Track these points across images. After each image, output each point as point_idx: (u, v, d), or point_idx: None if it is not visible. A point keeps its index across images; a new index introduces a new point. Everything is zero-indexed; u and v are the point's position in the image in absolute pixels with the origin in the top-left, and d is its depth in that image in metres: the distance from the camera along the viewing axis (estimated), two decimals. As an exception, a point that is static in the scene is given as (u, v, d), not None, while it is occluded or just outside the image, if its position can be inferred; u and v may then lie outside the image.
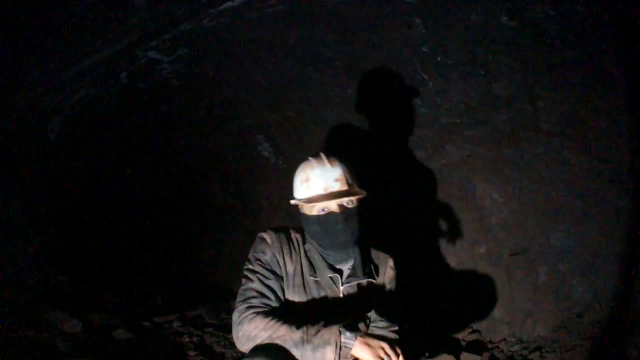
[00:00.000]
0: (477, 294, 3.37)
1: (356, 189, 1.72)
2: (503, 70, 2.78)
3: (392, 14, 2.70)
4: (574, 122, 2.71)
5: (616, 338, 2.38)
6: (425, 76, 3.06)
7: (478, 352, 2.95)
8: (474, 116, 3.11)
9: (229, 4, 2.57)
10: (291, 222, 1.90)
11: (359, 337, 1.53)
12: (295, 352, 1.54)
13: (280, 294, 1.71)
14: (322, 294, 1.74)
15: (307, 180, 1.71)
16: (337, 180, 1.68)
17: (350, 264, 1.79)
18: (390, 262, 1.89)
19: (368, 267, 1.82)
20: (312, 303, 1.73)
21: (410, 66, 3.05)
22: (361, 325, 1.65)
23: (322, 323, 1.57)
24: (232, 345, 3.09)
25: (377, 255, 1.90)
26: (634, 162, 2.49)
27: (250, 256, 1.77)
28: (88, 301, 3.40)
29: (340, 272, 1.78)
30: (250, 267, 1.74)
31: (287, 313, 1.67)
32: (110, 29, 2.52)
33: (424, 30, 2.74)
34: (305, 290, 1.73)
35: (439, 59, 2.91)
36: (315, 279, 1.74)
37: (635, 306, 2.38)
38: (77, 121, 3.51)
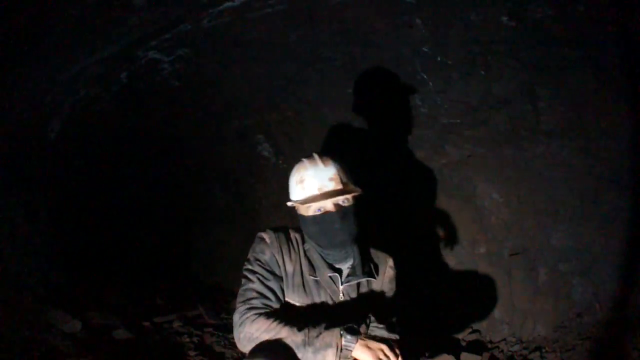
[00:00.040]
0: (477, 294, 3.37)
1: (351, 186, 1.72)
2: (503, 70, 2.78)
3: (392, 14, 2.70)
4: (574, 122, 2.71)
5: (616, 338, 2.38)
6: (425, 76, 3.06)
7: (478, 352, 2.95)
8: (474, 116, 3.11)
9: (229, 4, 2.57)
10: (291, 221, 1.91)
11: (359, 340, 1.54)
12: (296, 353, 1.55)
13: (280, 294, 1.71)
14: (322, 293, 1.74)
15: (301, 181, 1.71)
16: (331, 179, 1.68)
17: (349, 263, 1.79)
18: (390, 262, 1.89)
19: (368, 266, 1.82)
20: (312, 303, 1.73)
21: (410, 66, 3.05)
22: (362, 327, 1.66)
23: (323, 326, 1.58)
24: (232, 345, 3.09)
25: (376, 254, 1.90)
26: (634, 162, 2.49)
27: (249, 256, 1.77)
28: (88, 301, 3.40)
29: (339, 271, 1.78)
30: (250, 267, 1.74)
31: (287, 313, 1.67)
32: (110, 29, 2.52)
33: (424, 30, 2.74)
34: (305, 290, 1.73)
35: (439, 59, 2.90)
36: (315, 278, 1.74)
37: (635, 306, 2.38)
38: (77, 121, 3.50)
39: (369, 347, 1.52)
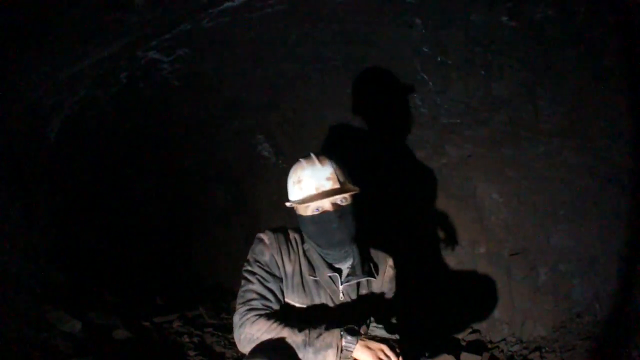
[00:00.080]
0: (477, 294, 3.37)
1: (349, 185, 1.72)
2: (503, 70, 2.78)
3: (392, 14, 2.70)
4: (574, 122, 2.71)
5: (616, 338, 2.38)
6: (425, 76, 3.06)
7: (478, 352, 2.95)
8: (474, 116, 3.11)
9: (229, 4, 2.57)
10: (291, 222, 1.90)
11: (359, 340, 1.54)
12: (297, 353, 1.56)
13: (279, 295, 1.71)
14: (322, 293, 1.74)
15: (299, 181, 1.72)
16: (328, 179, 1.69)
17: (349, 262, 1.79)
18: (390, 262, 1.89)
19: (367, 265, 1.82)
20: (312, 303, 1.74)
21: (410, 66, 3.05)
22: (362, 327, 1.66)
23: (323, 326, 1.59)
24: (232, 345, 3.09)
25: (376, 254, 1.90)
26: (634, 162, 2.49)
27: (249, 257, 1.77)
28: (88, 301, 3.39)
29: (339, 271, 1.78)
30: (250, 268, 1.74)
31: (287, 314, 1.67)
32: (110, 29, 2.52)
33: (424, 30, 2.74)
34: (304, 290, 1.73)
35: (439, 59, 2.90)
36: (315, 278, 1.74)
37: (635, 306, 2.38)
38: (77, 121, 3.50)
39: (369, 348, 1.52)
